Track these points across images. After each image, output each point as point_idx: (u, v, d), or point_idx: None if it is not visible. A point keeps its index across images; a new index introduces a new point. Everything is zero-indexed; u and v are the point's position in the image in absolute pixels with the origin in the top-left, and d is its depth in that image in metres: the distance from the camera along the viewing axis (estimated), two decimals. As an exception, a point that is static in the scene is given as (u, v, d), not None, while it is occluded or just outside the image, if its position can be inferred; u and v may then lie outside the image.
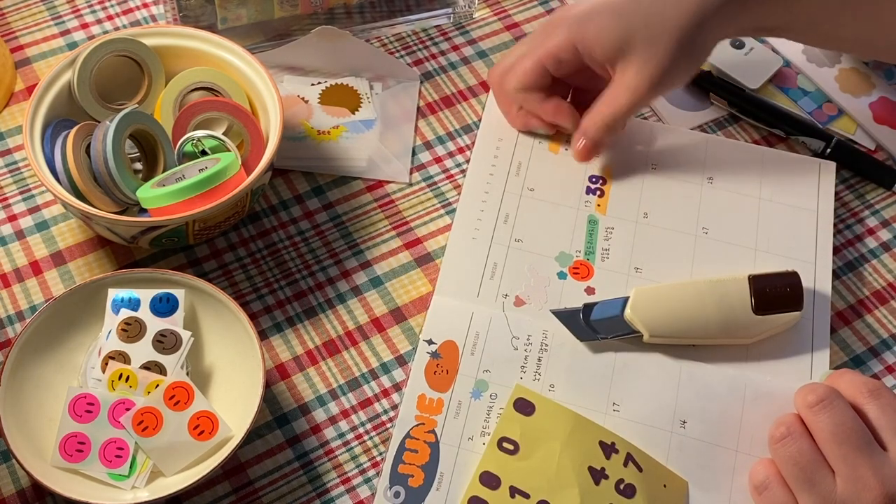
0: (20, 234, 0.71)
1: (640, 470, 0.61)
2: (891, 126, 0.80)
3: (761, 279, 0.66)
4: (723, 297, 0.66)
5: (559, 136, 0.76)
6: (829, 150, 0.78)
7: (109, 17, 0.83)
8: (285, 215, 0.73)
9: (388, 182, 0.75)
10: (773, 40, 0.84)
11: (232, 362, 0.63)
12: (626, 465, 0.61)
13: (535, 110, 0.74)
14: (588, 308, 0.66)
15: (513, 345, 0.67)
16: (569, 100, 0.75)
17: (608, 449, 0.62)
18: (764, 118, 0.79)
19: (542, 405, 0.63)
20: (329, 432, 0.64)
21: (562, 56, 0.70)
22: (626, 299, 0.66)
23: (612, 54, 0.68)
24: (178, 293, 0.63)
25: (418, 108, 0.79)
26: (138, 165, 0.71)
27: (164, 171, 0.69)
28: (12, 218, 0.72)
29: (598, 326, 0.66)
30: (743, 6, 0.67)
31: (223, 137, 0.68)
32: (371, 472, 0.63)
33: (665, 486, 0.61)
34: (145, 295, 0.63)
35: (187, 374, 0.62)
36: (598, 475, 0.61)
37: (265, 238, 0.72)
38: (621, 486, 0.61)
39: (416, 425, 0.63)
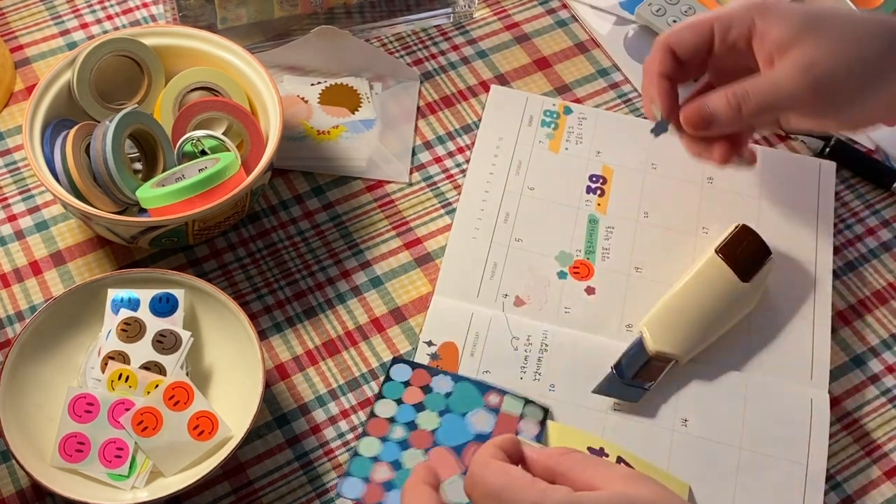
0: (20, 234, 0.71)
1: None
2: (886, 123, 0.80)
3: (728, 249, 0.67)
4: (712, 284, 0.66)
5: (560, 135, 0.76)
6: (828, 150, 0.78)
7: (109, 17, 0.83)
8: (285, 215, 0.73)
9: (388, 182, 0.75)
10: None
11: (232, 362, 0.63)
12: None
13: (648, 81, 0.67)
14: (618, 366, 0.66)
15: (513, 345, 0.67)
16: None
17: (598, 453, 0.62)
18: (764, 118, 0.79)
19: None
20: (329, 432, 0.64)
21: (733, 27, 0.65)
22: (639, 338, 0.66)
23: (787, 34, 0.63)
24: (178, 293, 0.63)
25: (418, 108, 0.79)
26: (138, 165, 0.71)
27: (164, 171, 0.69)
28: (12, 218, 0.72)
29: (637, 377, 0.65)
30: None
31: (223, 137, 0.68)
32: (371, 472, 0.63)
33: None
34: (145, 295, 0.63)
35: (187, 374, 0.62)
36: None
37: (265, 238, 0.72)
38: None
39: (416, 425, 0.64)
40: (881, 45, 0.63)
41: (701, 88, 0.70)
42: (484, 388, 0.64)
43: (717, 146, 0.66)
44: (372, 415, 0.63)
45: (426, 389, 0.64)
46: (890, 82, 0.63)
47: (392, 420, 0.63)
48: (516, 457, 0.51)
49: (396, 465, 0.61)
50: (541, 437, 0.62)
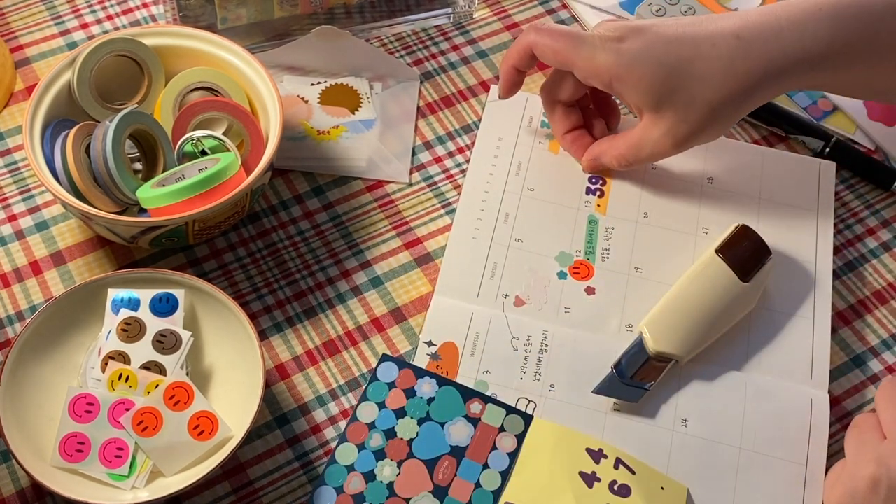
0: (20, 234, 0.71)
1: (633, 472, 0.61)
2: (885, 123, 0.80)
3: (728, 249, 0.68)
4: (712, 283, 0.66)
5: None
6: (827, 150, 0.78)
7: (109, 17, 0.83)
8: (285, 215, 0.73)
9: (388, 182, 0.75)
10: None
11: (232, 362, 0.63)
12: (616, 468, 0.61)
13: (556, 134, 0.75)
14: (618, 366, 0.66)
15: (513, 345, 0.67)
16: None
17: (596, 455, 0.62)
18: (763, 117, 0.79)
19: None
20: (329, 432, 0.64)
21: (593, 82, 0.69)
22: (639, 338, 0.66)
23: (646, 106, 0.67)
24: (178, 293, 0.63)
25: (418, 108, 0.79)
26: (138, 165, 0.71)
27: (164, 171, 0.69)
28: (12, 218, 0.72)
29: (637, 377, 0.65)
30: (785, 80, 0.66)
31: (223, 137, 0.68)
32: (371, 472, 0.63)
33: (663, 488, 0.61)
34: (145, 295, 0.63)
35: (187, 374, 0.62)
36: (590, 479, 0.61)
37: (265, 238, 0.72)
38: (615, 487, 0.61)
39: (416, 425, 0.64)
40: (733, 98, 0.66)
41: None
42: (468, 394, 0.64)
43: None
44: (353, 419, 0.63)
45: (409, 393, 0.64)
46: (752, 104, 0.67)
47: (372, 426, 0.63)
48: None
49: (370, 476, 0.61)
50: (516, 453, 0.62)
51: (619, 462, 0.62)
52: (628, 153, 0.71)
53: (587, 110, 0.75)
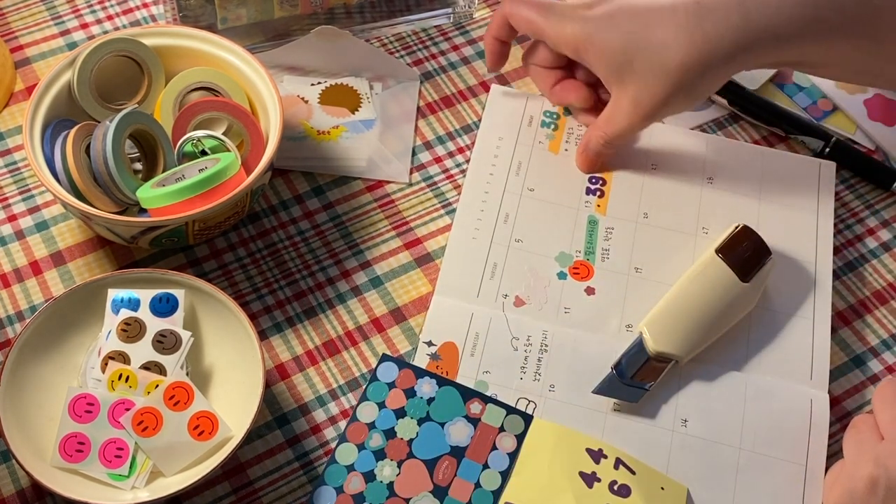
0: (20, 234, 0.71)
1: (633, 473, 0.61)
2: (885, 123, 0.80)
3: (728, 249, 0.68)
4: (712, 283, 0.66)
5: (560, 136, 0.77)
6: (828, 150, 0.78)
7: (109, 17, 0.83)
8: (285, 215, 0.73)
9: (388, 182, 0.75)
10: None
11: (232, 362, 0.63)
12: (616, 468, 0.61)
13: (545, 91, 0.75)
14: (618, 366, 0.66)
15: (513, 345, 0.67)
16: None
17: (596, 455, 0.62)
18: (763, 117, 0.79)
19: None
20: (329, 432, 0.64)
21: (564, 51, 0.70)
22: (639, 338, 0.66)
23: (611, 76, 0.68)
24: (178, 293, 0.63)
25: (418, 108, 0.79)
26: (138, 165, 0.71)
27: (164, 171, 0.69)
28: (12, 218, 0.72)
29: (637, 377, 0.65)
30: (752, 53, 0.66)
31: (223, 137, 0.68)
32: (371, 473, 0.63)
33: (663, 488, 0.61)
34: (145, 295, 0.63)
35: (187, 374, 0.62)
36: (590, 479, 0.61)
37: (265, 238, 0.72)
38: (615, 487, 0.61)
39: (416, 425, 0.64)
40: (694, 64, 0.66)
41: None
42: (468, 394, 0.64)
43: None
44: (353, 419, 0.63)
45: (409, 393, 0.64)
46: (714, 73, 0.67)
47: (372, 426, 0.63)
48: None
49: (370, 476, 0.61)
50: (516, 454, 0.62)
51: (619, 462, 0.62)
52: (605, 128, 0.70)
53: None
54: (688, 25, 0.65)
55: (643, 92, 0.67)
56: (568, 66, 0.74)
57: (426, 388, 0.64)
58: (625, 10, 0.66)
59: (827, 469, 0.63)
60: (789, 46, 0.66)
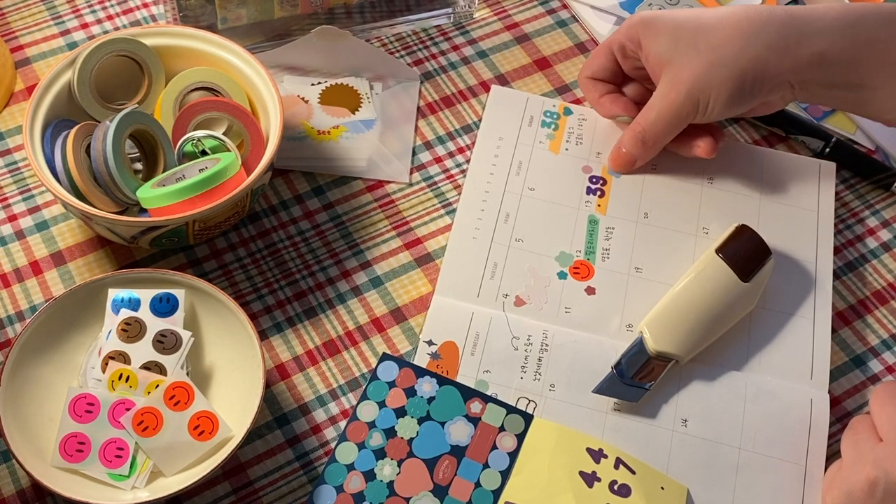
0: (20, 234, 0.71)
1: (633, 472, 0.61)
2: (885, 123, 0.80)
3: (728, 249, 0.68)
4: (712, 283, 0.66)
5: (560, 136, 0.77)
6: (828, 150, 0.78)
7: (109, 17, 0.83)
8: (285, 215, 0.73)
9: (388, 182, 0.75)
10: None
11: (232, 362, 0.63)
12: (616, 467, 0.61)
13: (593, 103, 0.76)
14: (618, 366, 0.66)
15: (513, 345, 0.67)
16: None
17: (596, 454, 0.62)
18: (763, 116, 0.79)
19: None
20: (329, 432, 0.64)
21: (627, 47, 0.71)
22: (639, 338, 0.66)
23: (657, 64, 0.69)
24: (178, 293, 0.63)
25: (418, 108, 0.79)
26: (138, 165, 0.71)
27: (164, 171, 0.69)
28: (12, 218, 0.72)
29: (637, 377, 0.65)
30: (801, 73, 0.67)
31: (223, 137, 0.68)
32: (371, 472, 0.63)
33: (663, 488, 0.61)
34: (145, 295, 0.63)
35: (187, 374, 0.62)
36: (590, 479, 0.61)
37: (265, 238, 0.72)
38: (615, 487, 0.61)
39: (417, 425, 0.64)
40: (739, 47, 0.67)
41: None
42: (468, 393, 0.64)
43: (699, 142, 0.72)
44: (353, 418, 0.63)
45: (410, 392, 0.64)
46: (768, 74, 0.67)
47: (372, 425, 0.63)
48: None
49: (370, 475, 0.61)
50: (517, 453, 0.62)
51: (619, 462, 0.62)
52: (641, 119, 0.71)
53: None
54: (736, 19, 0.67)
55: (684, 67, 0.67)
56: (618, 83, 0.75)
57: (426, 387, 0.64)
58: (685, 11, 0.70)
59: (826, 470, 0.63)
60: (837, 67, 0.67)
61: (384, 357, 0.66)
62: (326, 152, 0.76)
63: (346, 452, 0.62)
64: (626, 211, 0.73)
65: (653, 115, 0.70)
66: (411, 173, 0.76)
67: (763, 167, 0.76)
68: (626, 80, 0.76)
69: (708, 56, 0.67)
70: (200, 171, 0.66)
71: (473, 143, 0.77)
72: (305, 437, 0.64)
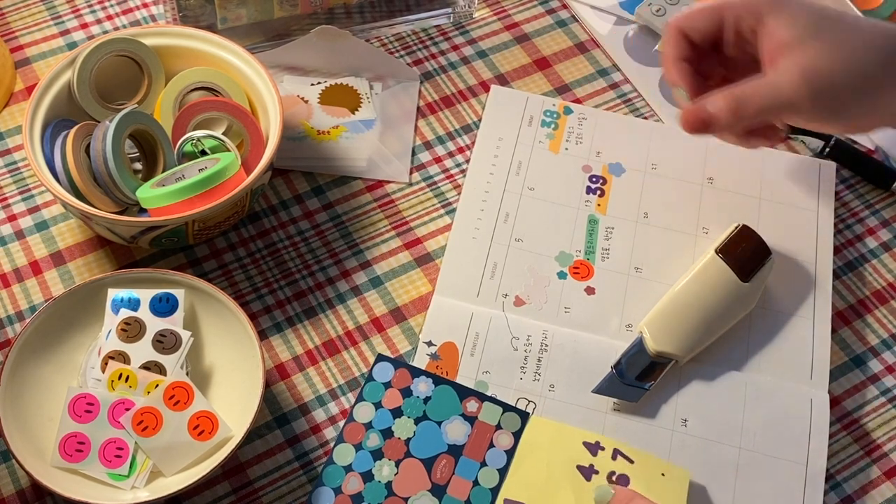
0: (20, 234, 0.71)
1: (631, 462, 0.62)
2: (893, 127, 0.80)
3: (728, 249, 0.67)
4: (712, 283, 0.67)
5: (560, 136, 0.77)
6: (828, 150, 0.78)
7: (109, 17, 0.83)
8: (285, 215, 0.73)
9: (388, 182, 0.75)
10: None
11: (232, 362, 0.63)
12: (614, 458, 0.62)
13: (666, 58, 0.68)
14: (618, 366, 0.66)
15: (513, 345, 0.67)
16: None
17: (593, 447, 0.62)
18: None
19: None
20: (329, 432, 0.64)
21: (742, 17, 0.65)
22: (639, 338, 0.66)
23: (780, 45, 0.63)
24: (178, 293, 0.63)
25: (418, 108, 0.79)
26: (138, 165, 0.71)
27: (164, 171, 0.69)
28: (12, 218, 0.72)
29: (637, 377, 0.65)
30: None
31: (223, 137, 0.68)
32: (371, 472, 0.63)
33: (663, 474, 0.61)
34: (145, 295, 0.63)
35: (187, 374, 0.62)
36: (587, 472, 0.61)
37: (265, 238, 0.72)
38: (613, 478, 0.61)
39: (416, 425, 0.64)
40: (879, 56, 0.62)
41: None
42: (464, 392, 0.64)
43: (755, 138, 0.67)
44: (350, 419, 0.63)
45: (406, 393, 0.64)
46: (887, 93, 0.63)
47: (369, 426, 0.63)
48: None
49: (368, 476, 0.61)
50: (514, 451, 0.62)
51: (616, 453, 0.62)
52: (745, 88, 0.63)
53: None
54: (873, 27, 0.63)
55: (821, 62, 0.62)
56: (697, 54, 0.68)
57: (422, 387, 0.64)
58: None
59: (827, 469, 0.63)
60: None
61: (380, 358, 0.66)
62: (326, 152, 0.76)
63: (344, 454, 0.62)
64: (625, 211, 0.73)
65: (765, 88, 0.63)
66: (411, 173, 0.76)
67: (763, 167, 0.76)
68: (701, 58, 0.68)
69: (850, 57, 0.62)
70: (200, 171, 0.66)
71: (473, 143, 0.77)
72: (305, 436, 0.64)
